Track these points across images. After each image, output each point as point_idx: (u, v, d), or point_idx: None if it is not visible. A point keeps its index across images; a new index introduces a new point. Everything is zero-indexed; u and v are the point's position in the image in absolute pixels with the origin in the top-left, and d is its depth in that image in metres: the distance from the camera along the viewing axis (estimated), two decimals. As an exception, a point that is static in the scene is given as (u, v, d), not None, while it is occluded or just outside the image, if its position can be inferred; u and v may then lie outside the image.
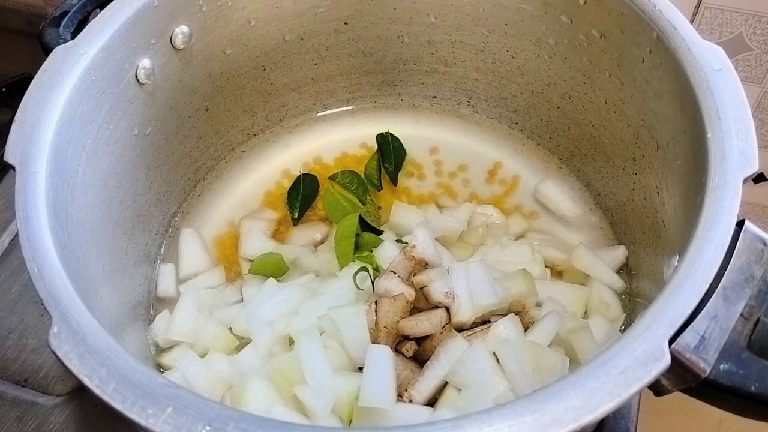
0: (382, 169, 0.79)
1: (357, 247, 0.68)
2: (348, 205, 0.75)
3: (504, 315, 0.61)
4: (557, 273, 0.71)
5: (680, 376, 0.43)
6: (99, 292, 0.55)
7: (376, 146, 0.82)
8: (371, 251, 0.67)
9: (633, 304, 0.67)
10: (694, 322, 0.43)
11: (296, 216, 0.76)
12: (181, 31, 0.66)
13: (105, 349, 0.42)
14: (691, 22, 0.81)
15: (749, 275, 0.45)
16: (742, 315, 0.44)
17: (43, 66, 0.57)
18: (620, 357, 0.40)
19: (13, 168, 0.51)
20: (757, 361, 0.43)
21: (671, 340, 0.41)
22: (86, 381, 0.41)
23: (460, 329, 0.61)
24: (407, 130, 0.83)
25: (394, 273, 0.63)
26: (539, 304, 0.64)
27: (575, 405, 0.38)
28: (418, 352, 0.60)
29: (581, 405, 0.38)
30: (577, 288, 0.67)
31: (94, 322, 0.44)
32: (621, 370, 0.40)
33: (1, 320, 0.74)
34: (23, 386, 0.70)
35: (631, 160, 0.68)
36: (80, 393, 0.69)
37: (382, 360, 0.55)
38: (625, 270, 0.70)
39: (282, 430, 0.39)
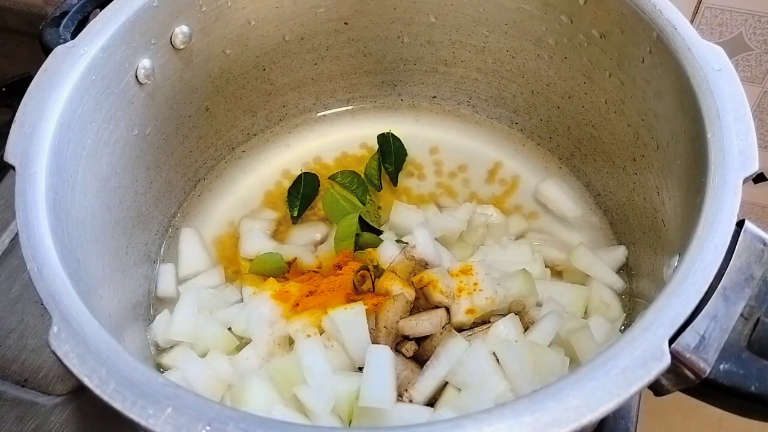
0: (383, 169, 0.79)
1: (357, 247, 0.68)
2: (348, 205, 0.75)
3: (504, 315, 0.61)
4: (557, 273, 0.71)
5: (680, 376, 0.43)
6: (99, 292, 0.55)
7: (376, 146, 0.82)
8: (371, 251, 0.67)
9: (633, 304, 0.67)
10: (694, 322, 0.43)
11: (296, 214, 0.76)
12: (181, 31, 0.66)
13: (105, 349, 0.42)
14: (691, 22, 0.81)
15: (749, 275, 0.45)
16: (742, 315, 0.44)
17: (43, 66, 0.57)
18: (620, 357, 0.40)
19: (13, 168, 0.51)
20: (757, 361, 0.43)
21: (671, 340, 0.41)
22: (86, 381, 0.41)
23: (460, 329, 0.61)
24: (407, 130, 0.83)
25: (394, 273, 0.63)
26: (539, 304, 0.64)
27: (575, 405, 0.38)
28: (418, 352, 0.60)
29: (581, 405, 0.38)
30: (577, 288, 0.67)
31: (94, 322, 0.44)
32: (621, 370, 0.40)
33: (1, 320, 0.74)
34: (23, 386, 0.70)
35: (631, 160, 0.68)
36: (80, 393, 0.69)
37: (382, 360, 0.55)
38: (625, 270, 0.70)
39: (282, 430, 0.39)
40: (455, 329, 0.61)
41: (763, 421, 0.45)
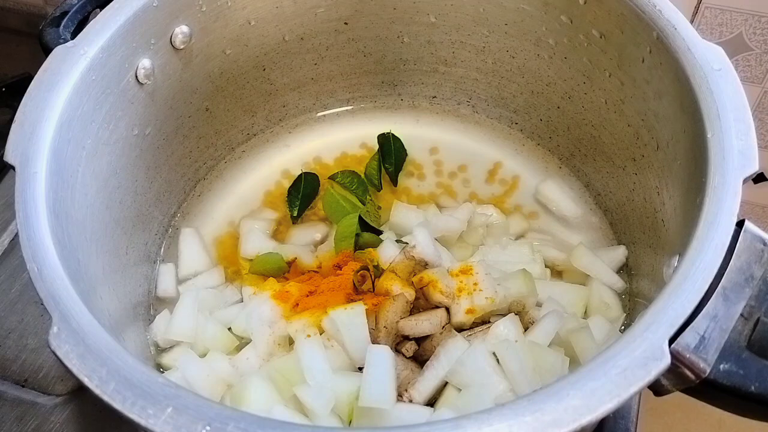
0: (383, 169, 0.79)
1: (357, 247, 0.68)
2: (348, 205, 0.75)
3: (504, 315, 0.61)
4: (557, 273, 0.71)
5: (680, 376, 0.43)
6: (99, 292, 0.55)
7: (376, 146, 0.82)
8: (371, 251, 0.67)
9: (633, 304, 0.67)
10: (694, 322, 0.43)
11: (295, 214, 0.76)
12: (181, 31, 0.66)
13: (105, 349, 0.42)
14: (691, 22, 0.81)
15: (749, 275, 0.45)
16: (742, 315, 0.44)
17: (43, 66, 0.57)
18: (620, 357, 0.40)
19: (13, 168, 0.51)
20: (757, 361, 0.43)
21: (671, 340, 0.41)
22: (86, 381, 0.41)
23: (460, 329, 0.61)
24: (407, 130, 0.83)
25: (394, 273, 0.63)
26: (539, 304, 0.64)
27: (575, 405, 0.38)
28: (418, 352, 0.60)
29: (581, 405, 0.38)
30: (577, 288, 0.67)
31: (94, 322, 0.44)
32: (621, 370, 0.40)
33: (1, 320, 0.74)
34: (23, 386, 0.70)
35: (631, 160, 0.68)
36: (80, 393, 0.69)
37: (382, 360, 0.55)
38: (625, 270, 0.70)
39: (282, 430, 0.39)
40: (455, 329, 0.61)
41: (763, 421, 0.45)
